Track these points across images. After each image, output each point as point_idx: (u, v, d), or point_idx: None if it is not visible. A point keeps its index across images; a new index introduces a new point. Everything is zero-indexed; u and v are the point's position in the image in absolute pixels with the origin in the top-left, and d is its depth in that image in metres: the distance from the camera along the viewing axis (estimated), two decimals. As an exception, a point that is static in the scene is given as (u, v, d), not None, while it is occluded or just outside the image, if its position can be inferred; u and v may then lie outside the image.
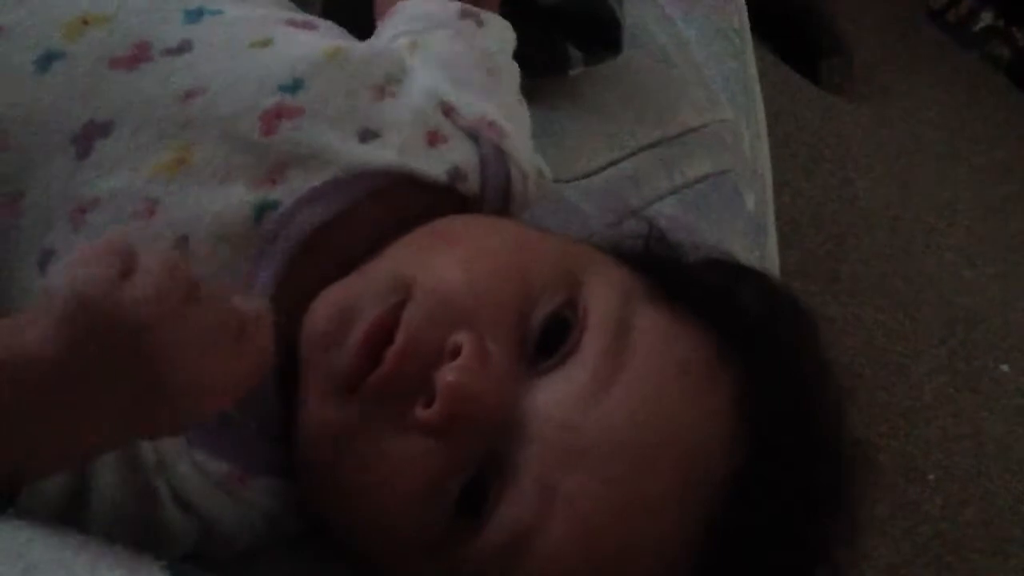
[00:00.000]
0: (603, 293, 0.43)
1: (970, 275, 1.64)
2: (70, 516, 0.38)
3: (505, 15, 0.58)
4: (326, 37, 0.51)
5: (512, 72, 0.56)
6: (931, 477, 1.34)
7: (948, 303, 1.57)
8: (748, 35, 0.90)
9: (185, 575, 0.33)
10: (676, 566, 0.41)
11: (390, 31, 0.55)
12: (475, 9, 0.56)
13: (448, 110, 0.50)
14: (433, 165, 0.48)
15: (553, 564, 0.39)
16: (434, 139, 0.48)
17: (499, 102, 0.52)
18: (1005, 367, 1.51)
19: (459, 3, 0.55)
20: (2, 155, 0.42)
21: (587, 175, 0.71)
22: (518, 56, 0.58)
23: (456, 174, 0.48)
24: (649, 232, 0.52)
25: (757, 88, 0.88)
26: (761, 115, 0.87)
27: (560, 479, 0.39)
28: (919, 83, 1.93)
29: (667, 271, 0.47)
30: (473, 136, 0.50)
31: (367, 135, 0.46)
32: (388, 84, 0.49)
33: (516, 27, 0.59)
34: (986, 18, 2.05)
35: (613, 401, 0.40)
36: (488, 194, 0.50)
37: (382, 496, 0.40)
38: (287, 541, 0.46)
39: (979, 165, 1.84)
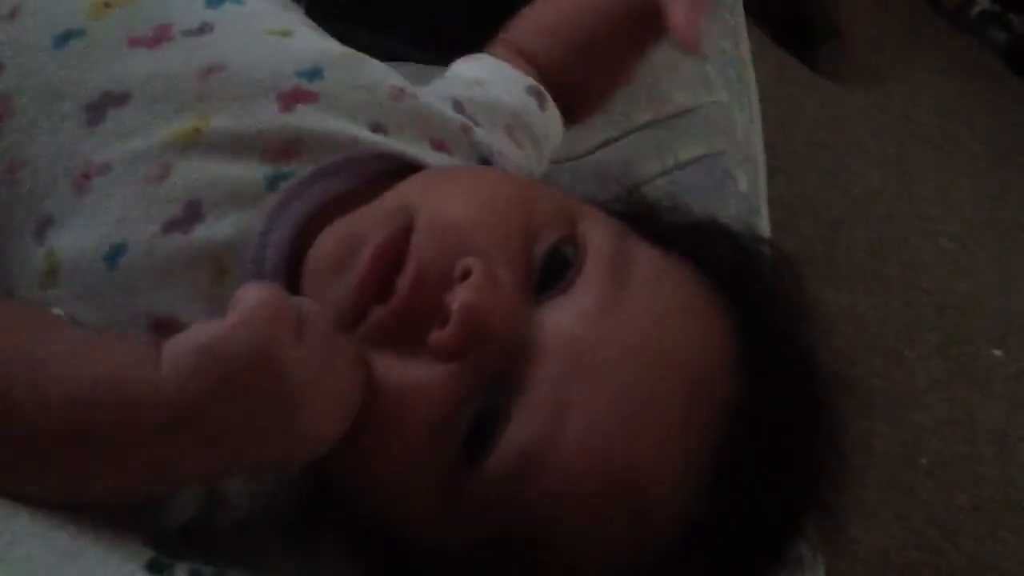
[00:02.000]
0: (600, 230, 0.43)
1: (965, 261, 1.64)
2: None
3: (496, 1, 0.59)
4: (340, 46, 0.52)
5: (538, 158, 0.58)
6: (924, 462, 1.35)
7: (942, 289, 1.57)
8: (742, 16, 0.90)
9: (163, 547, 0.33)
10: (682, 485, 0.41)
11: (465, 71, 0.58)
12: (545, 93, 0.58)
13: (466, 128, 0.51)
14: (438, 163, 0.49)
15: (564, 480, 0.39)
16: (439, 146, 0.49)
17: (512, 156, 0.54)
18: (998, 353, 1.52)
19: (533, 81, 0.58)
20: (8, 122, 0.43)
21: (579, 156, 0.71)
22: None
23: None
24: (628, 194, 0.52)
25: (750, 70, 0.88)
26: (754, 98, 0.87)
27: (572, 394, 0.39)
28: (916, 68, 1.93)
29: (650, 224, 0.48)
30: (485, 160, 0.51)
31: (377, 128, 0.47)
32: (407, 87, 0.50)
33: (509, 6, 0.60)
34: (983, 3, 2.04)
35: (622, 316, 0.41)
36: None
37: (396, 426, 0.40)
38: (283, 519, 0.46)
39: (975, 151, 1.84)
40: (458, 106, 0.53)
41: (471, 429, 0.40)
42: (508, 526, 0.40)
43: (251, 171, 0.44)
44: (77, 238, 0.42)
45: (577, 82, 0.62)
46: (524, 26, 0.63)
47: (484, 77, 0.58)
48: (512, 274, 0.41)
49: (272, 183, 0.44)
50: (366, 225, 0.42)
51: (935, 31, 2.03)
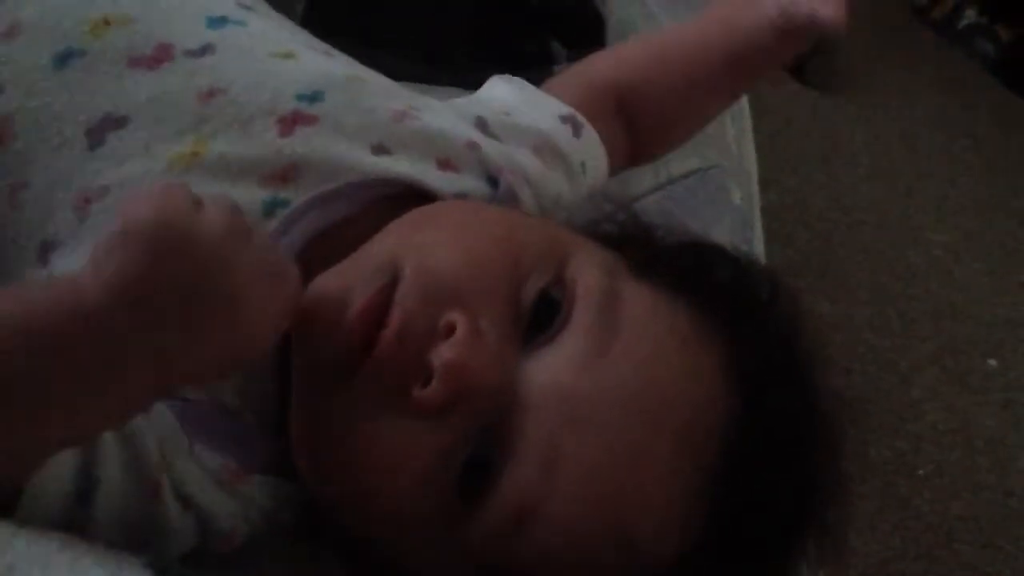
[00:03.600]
0: (588, 269, 0.43)
1: (958, 271, 1.64)
2: (74, 513, 0.38)
3: (488, 12, 0.59)
4: (346, 66, 0.52)
5: (569, 181, 0.56)
6: (921, 472, 1.35)
7: (936, 299, 1.58)
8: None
9: (167, 573, 0.33)
10: (680, 521, 0.41)
11: (497, 92, 0.57)
12: (582, 121, 0.57)
13: (474, 146, 0.50)
14: (443, 184, 0.48)
15: (561, 528, 0.39)
16: (445, 165, 0.49)
17: (537, 173, 0.53)
18: (993, 362, 1.52)
19: (570, 109, 0.56)
20: (8, 144, 0.43)
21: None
22: (503, 51, 0.58)
23: (463, 199, 0.49)
24: (624, 214, 0.52)
25: (742, 84, 0.88)
26: (746, 110, 0.87)
27: (563, 444, 0.39)
28: (905, 80, 1.94)
29: (643, 249, 0.48)
30: (493, 176, 0.51)
31: (380, 150, 0.47)
32: (410, 109, 0.50)
33: (501, 24, 0.60)
34: (970, 15, 2.06)
35: (610, 365, 0.40)
36: None
37: (384, 480, 0.40)
38: (283, 539, 0.46)
39: (966, 161, 1.85)
40: (481, 123, 0.53)
41: (462, 479, 0.40)
42: (503, 567, 0.40)
43: (249, 196, 0.44)
44: (77, 262, 0.41)
45: (649, 112, 0.60)
46: (623, 56, 0.62)
47: (512, 104, 0.56)
48: (498, 324, 0.41)
49: (269, 209, 0.44)
50: (353, 281, 0.42)
51: (923, 43, 2.05)
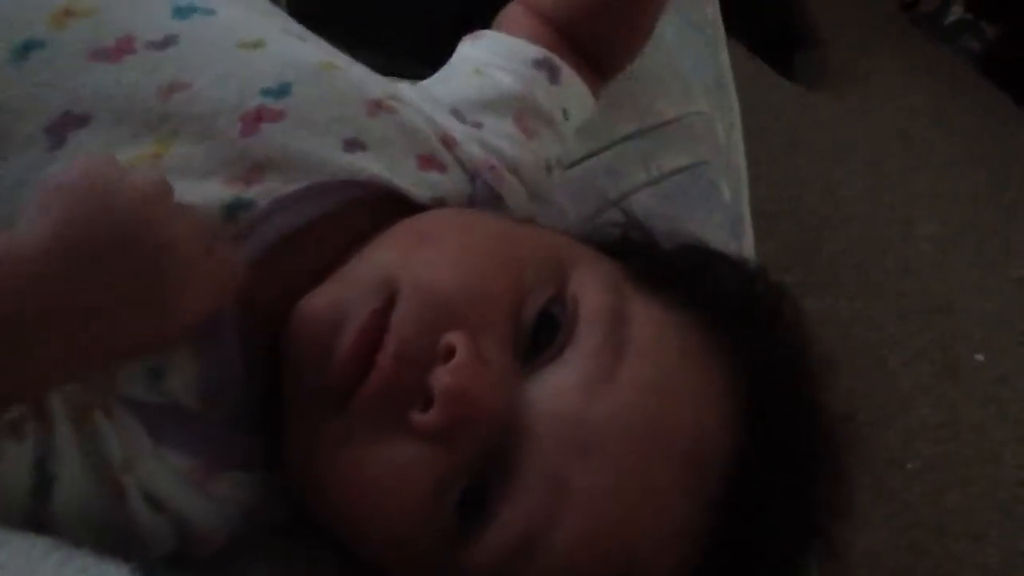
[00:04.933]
0: (593, 285, 0.42)
1: (946, 265, 1.65)
2: (35, 508, 0.38)
3: (475, 9, 0.58)
4: (321, 51, 0.50)
5: (557, 138, 0.55)
6: (910, 466, 1.35)
7: (925, 293, 1.59)
8: (721, 27, 0.90)
9: (155, 575, 0.33)
10: (687, 545, 0.41)
11: (466, 55, 0.55)
12: (558, 64, 0.55)
13: (450, 142, 0.49)
14: (419, 187, 0.47)
15: (566, 554, 0.39)
16: (426, 163, 0.48)
17: (519, 154, 0.52)
18: (981, 356, 1.53)
19: (543, 51, 0.55)
20: None
21: (565, 168, 0.71)
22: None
23: (440, 204, 0.48)
24: (626, 220, 0.52)
25: (730, 79, 0.88)
26: (735, 106, 0.87)
27: (571, 473, 0.38)
28: (893, 75, 1.95)
29: (645, 258, 0.47)
30: (471, 174, 0.49)
31: (353, 145, 0.46)
32: (385, 99, 0.48)
33: (487, 21, 0.59)
34: (956, 12, 2.07)
35: (619, 391, 0.39)
36: None
37: (383, 505, 0.39)
38: (267, 538, 0.46)
39: (954, 156, 1.86)
40: (457, 114, 0.52)
41: (463, 504, 0.39)
42: None
43: (212, 198, 0.42)
44: None
45: (600, 39, 0.58)
46: None
47: (484, 61, 0.55)
48: (499, 345, 0.40)
49: (232, 212, 0.42)
50: (345, 303, 0.40)
51: (910, 38, 2.06)
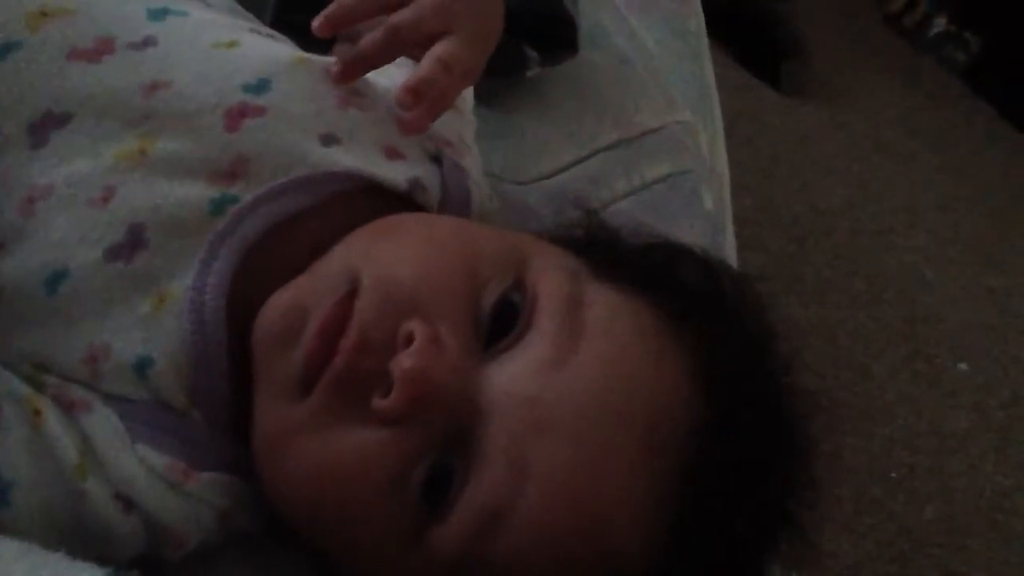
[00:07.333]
0: (550, 273, 0.43)
1: (929, 275, 1.66)
2: None
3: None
4: (293, 48, 0.51)
5: (467, 99, 0.57)
6: (893, 475, 1.36)
7: (909, 303, 1.60)
8: (704, 37, 0.91)
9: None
10: (652, 518, 0.41)
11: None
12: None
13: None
14: (393, 174, 0.48)
15: (530, 536, 0.39)
16: (391, 154, 0.48)
17: (458, 127, 0.53)
18: (964, 366, 1.54)
19: None
20: None
21: (546, 177, 0.71)
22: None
23: (416, 184, 0.48)
24: (589, 219, 0.52)
25: (714, 89, 0.89)
26: (718, 116, 0.88)
27: (530, 451, 0.39)
28: (877, 86, 1.96)
29: (608, 252, 0.48)
30: (435, 158, 0.50)
31: (329, 139, 0.46)
32: (352, 95, 0.49)
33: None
34: (939, 23, 2.09)
35: (575, 369, 0.40)
36: (450, 208, 0.50)
37: (346, 491, 0.40)
38: (243, 541, 0.45)
39: (937, 166, 1.88)
40: None
41: (426, 487, 0.40)
42: (476, 573, 0.40)
43: (197, 194, 0.43)
44: (21, 263, 0.41)
45: None
46: None
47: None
48: (458, 332, 0.41)
49: (218, 207, 0.43)
50: (311, 294, 0.42)
51: (894, 50, 2.08)
